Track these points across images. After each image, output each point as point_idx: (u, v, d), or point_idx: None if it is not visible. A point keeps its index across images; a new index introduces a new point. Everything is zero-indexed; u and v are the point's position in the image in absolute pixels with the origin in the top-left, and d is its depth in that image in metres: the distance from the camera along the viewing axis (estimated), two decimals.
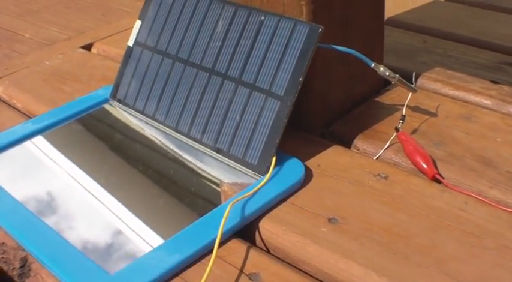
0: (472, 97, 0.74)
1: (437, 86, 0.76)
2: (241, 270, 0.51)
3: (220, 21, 0.67)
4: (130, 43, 0.76)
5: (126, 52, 0.77)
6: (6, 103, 0.83)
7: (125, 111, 0.75)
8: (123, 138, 0.72)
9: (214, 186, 0.61)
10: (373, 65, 0.64)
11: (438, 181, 0.59)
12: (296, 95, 0.59)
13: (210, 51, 0.67)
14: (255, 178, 0.60)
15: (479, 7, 1.01)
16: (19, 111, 0.81)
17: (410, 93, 0.68)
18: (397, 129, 0.64)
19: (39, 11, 1.18)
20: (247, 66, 0.63)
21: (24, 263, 0.54)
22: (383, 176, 0.60)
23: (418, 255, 0.50)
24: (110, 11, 1.15)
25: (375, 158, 0.64)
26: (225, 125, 0.64)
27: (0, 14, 1.17)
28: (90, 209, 0.59)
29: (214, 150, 0.64)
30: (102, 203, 0.60)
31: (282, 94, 0.60)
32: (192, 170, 0.64)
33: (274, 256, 0.54)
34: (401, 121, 0.65)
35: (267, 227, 0.55)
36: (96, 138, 0.72)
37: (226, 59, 0.65)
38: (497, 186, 0.58)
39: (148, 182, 0.63)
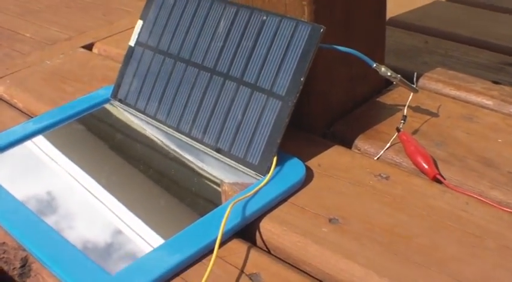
0: (473, 97, 0.74)
1: (439, 86, 0.76)
2: (242, 271, 0.51)
3: (222, 21, 0.67)
4: (132, 43, 0.76)
5: (128, 52, 0.77)
6: (7, 103, 0.83)
7: (126, 111, 0.75)
8: (124, 138, 0.72)
9: (215, 186, 0.61)
10: (374, 65, 0.64)
11: (439, 181, 0.59)
12: (297, 95, 0.59)
13: (212, 51, 0.67)
14: (255, 178, 0.60)
15: (480, 7, 1.01)
16: (20, 110, 0.81)
17: (412, 94, 0.68)
18: (398, 130, 0.64)
19: (40, 11, 1.18)
20: (248, 66, 0.63)
21: (25, 262, 0.54)
22: (384, 176, 0.60)
23: (419, 255, 0.50)
24: (111, 10, 1.15)
25: (376, 158, 0.64)
26: (227, 124, 0.64)
27: (0, 14, 1.18)
28: (90, 208, 0.59)
29: (215, 150, 0.64)
30: (102, 203, 0.60)
31: (283, 94, 0.60)
32: (192, 170, 0.64)
33: (275, 256, 0.54)
34: (402, 121, 0.65)
35: (267, 227, 0.55)
36: (97, 138, 0.72)
37: (227, 59, 0.65)
38: (498, 186, 0.58)
39: (149, 181, 0.63)
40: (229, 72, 0.65)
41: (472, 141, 0.65)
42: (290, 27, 0.61)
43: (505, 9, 0.99)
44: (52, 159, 0.67)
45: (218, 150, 0.64)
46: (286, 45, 0.61)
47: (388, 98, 0.74)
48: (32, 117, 0.77)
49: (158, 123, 0.70)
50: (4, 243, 0.57)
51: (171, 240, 0.53)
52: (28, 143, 0.70)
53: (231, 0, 0.67)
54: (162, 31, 0.73)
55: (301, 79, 0.59)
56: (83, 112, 0.75)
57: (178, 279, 0.51)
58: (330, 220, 0.55)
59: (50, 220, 0.57)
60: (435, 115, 0.70)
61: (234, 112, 0.63)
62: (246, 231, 0.56)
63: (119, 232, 0.56)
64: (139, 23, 0.76)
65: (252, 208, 0.56)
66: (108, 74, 0.86)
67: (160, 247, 0.53)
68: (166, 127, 0.69)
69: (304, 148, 0.65)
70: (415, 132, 0.67)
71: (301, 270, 0.52)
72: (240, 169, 0.61)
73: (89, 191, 0.62)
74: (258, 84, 0.62)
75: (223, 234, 0.52)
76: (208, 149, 0.64)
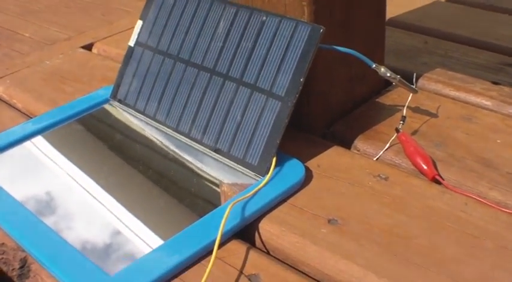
0: (472, 98, 0.74)
1: (438, 86, 0.76)
2: (241, 272, 0.51)
3: (221, 22, 0.67)
4: (132, 43, 0.76)
5: (127, 52, 0.77)
6: (7, 103, 0.83)
7: (126, 111, 0.75)
8: (124, 139, 0.72)
9: (214, 187, 0.61)
10: (374, 65, 0.64)
11: (438, 182, 0.59)
12: (297, 95, 0.59)
13: (211, 51, 0.67)
14: (255, 179, 0.60)
15: (480, 8, 1.01)
16: (19, 111, 0.81)
17: (411, 94, 0.68)
18: (397, 130, 0.64)
19: (40, 11, 1.18)
20: (248, 67, 0.63)
21: (24, 263, 0.54)
22: (383, 176, 0.60)
23: (418, 256, 0.50)
24: (111, 10, 1.15)
25: (375, 158, 0.64)
26: (226, 125, 0.64)
27: (0, 14, 1.17)
28: (89, 209, 0.59)
29: (214, 151, 0.64)
30: (102, 203, 0.60)
31: (283, 95, 0.60)
32: (192, 171, 0.64)
33: (274, 257, 0.54)
34: (401, 122, 0.65)
35: (266, 228, 0.55)
36: (97, 139, 0.72)
37: (227, 60, 0.65)
38: (497, 187, 0.58)
39: (148, 182, 0.63)
40: (229, 72, 0.65)
41: (471, 141, 0.65)
42: (290, 27, 0.61)
43: (505, 10, 0.99)
44: (51, 160, 0.67)
45: (217, 151, 0.64)
46: (285, 45, 0.61)
47: (387, 99, 0.74)
48: (31, 118, 0.77)
49: (157, 124, 0.70)
50: (3, 244, 0.56)
51: (170, 241, 0.53)
52: (27, 144, 0.70)
53: (230, 1, 0.67)
54: (161, 31, 0.73)
55: (301, 79, 0.59)
56: (82, 112, 0.75)
57: (177, 280, 0.50)
58: (329, 221, 0.55)
59: (49, 221, 0.57)
60: (434, 116, 0.70)
61: (233, 112, 0.63)
62: (245, 232, 0.56)
63: (117, 233, 0.56)
64: (139, 23, 0.76)
65: (251, 209, 0.56)
66: (108, 74, 0.86)
67: (160, 248, 0.53)
68: (165, 127, 0.69)
69: (304, 148, 0.65)
70: (414, 132, 0.67)
71: (300, 271, 0.52)
72: (239, 170, 0.61)
73: (88, 192, 0.61)
74: (257, 85, 0.62)
75: (223, 235, 0.52)
76: (208, 150, 0.64)
